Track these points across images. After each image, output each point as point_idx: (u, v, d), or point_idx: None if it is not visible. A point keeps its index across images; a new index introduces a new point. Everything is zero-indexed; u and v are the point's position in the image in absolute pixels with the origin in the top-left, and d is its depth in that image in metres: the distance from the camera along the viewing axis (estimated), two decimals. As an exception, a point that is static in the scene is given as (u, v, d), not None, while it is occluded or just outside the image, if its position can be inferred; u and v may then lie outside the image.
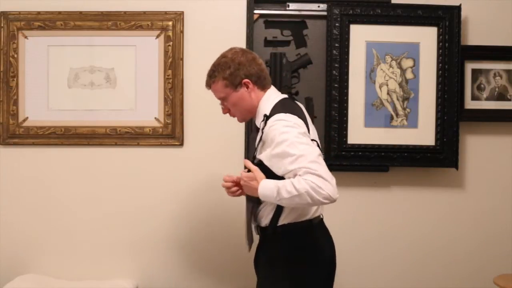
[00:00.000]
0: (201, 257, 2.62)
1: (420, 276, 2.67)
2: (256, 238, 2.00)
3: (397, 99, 2.59)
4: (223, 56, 1.93)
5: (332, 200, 1.66)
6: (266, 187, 1.74)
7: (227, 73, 1.88)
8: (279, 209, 1.85)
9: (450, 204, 2.67)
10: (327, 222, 2.64)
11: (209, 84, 1.95)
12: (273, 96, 1.91)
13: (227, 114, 1.96)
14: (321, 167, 1.68)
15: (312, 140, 1.82)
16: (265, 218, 1.88)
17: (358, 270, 2.66)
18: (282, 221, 1.85)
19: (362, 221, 2.66)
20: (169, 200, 2.60)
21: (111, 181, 2.60)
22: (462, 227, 2.68)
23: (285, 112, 1.79)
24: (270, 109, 1.85)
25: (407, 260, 2.67)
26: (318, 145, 1.88)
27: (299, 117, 1.80)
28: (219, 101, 1.97)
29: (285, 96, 1.94)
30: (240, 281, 2.55)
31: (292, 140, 1.71)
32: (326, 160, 2.51)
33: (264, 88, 1.92)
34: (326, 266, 1.90)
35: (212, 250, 2.61)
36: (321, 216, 1.96)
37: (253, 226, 1.97)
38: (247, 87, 1.89)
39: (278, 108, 1.84)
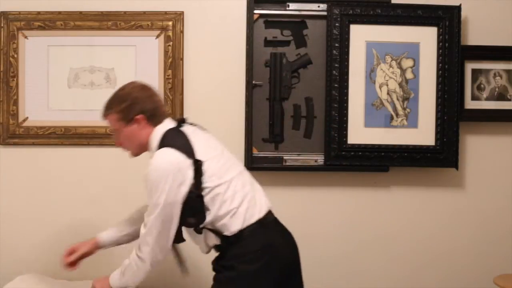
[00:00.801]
0: (202, 257, 2.62)
1: (420, 276, 2.67)
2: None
3: (397, 99, 2.59)
4: (121, 89, 1.93)
5: (149, 265, 1.84)
6: (112, 278, 1.93)
7: (122, 107, 1.88)
8: (214, 229, 1.85)
9: (450, 204, 2.67)
10: (327, 222, 2.65)
11: (104, 115, 1.94)
12: (160, 130, 1.89)
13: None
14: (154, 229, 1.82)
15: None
16: (211, 240, 1.89)
17: (358, 270, 2.66)
18: (230, 231, 1.83)
19: (361, 221, 2.66)
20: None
21: (111, 181, 2.60)
22: (462, 227, 2.68)
23: (165, 146, 1.81)
24: (157, 146, 1.86)
25: (406, 260, 2.67)
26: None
27: (178, 148, 1.79)
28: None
29: (171, 126, 1.91)
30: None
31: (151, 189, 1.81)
32: (326, 160, 2.54)
33: (156, 124, 1.90)
34: (281, 264, 1.85)
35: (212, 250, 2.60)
36: (272, 214, 1.94)
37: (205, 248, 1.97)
38: (139, 123, 1.88)
39: (160, 144, 1.84)
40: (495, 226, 2.68)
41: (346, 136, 2.56)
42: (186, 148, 1.80)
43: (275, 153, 2.59)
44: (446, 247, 2.67)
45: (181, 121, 1.96)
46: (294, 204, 2.63)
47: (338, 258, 2.65)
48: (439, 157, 2.58)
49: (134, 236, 2.11)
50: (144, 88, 1.93)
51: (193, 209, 1.80)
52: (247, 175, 1.95)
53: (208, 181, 1.80)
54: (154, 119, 1.89)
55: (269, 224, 1.89)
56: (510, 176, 2.69)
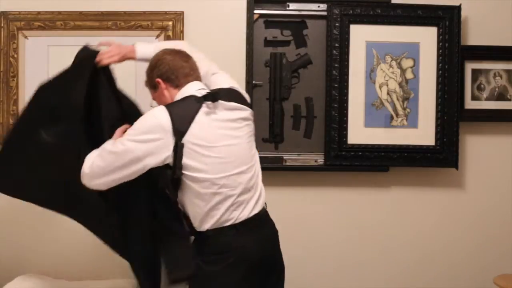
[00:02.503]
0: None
1: (420, 276, 2.67)
2: None
3: (397, 99, 2.60)
4: None
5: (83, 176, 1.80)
6: None
7: (146, 76, 1.96)
8: (187, 216, 1.84)
9: (450, 204, 2.68)
10: (326, 222, 2.64)
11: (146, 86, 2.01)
12: (182, 93, 1.87)
13: None
14: (102, 157, 1.77)
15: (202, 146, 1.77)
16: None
17: (358, 270, 2.66)
18: (198, 226, 1.82)
19: (361, 221, 2.66)
20: (169, 200, 2.59)
21: (111, 181, 2.59)
22: (462, 227, 2.68)
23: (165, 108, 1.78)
24: None
25: (407, 260, 2.67)
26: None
27: (173, 120, 1.74)
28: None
29: (193, 94, 1.84)
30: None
31: (128, 133, 1.78)
32: (326, 160, 2.54)
33: (177, 86, 1.89)
34: (249, 266, 1.80)
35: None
36: (257, 219, 1.86)
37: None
38: (161, 87, 1.90)
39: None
40: (495, 226, 2.68)
41: (346, 136, 2.56)
42: (180, 125, 1.75)
43: (275, 153, 2.59)
44: (446, 247, 2.67)
45: (210, 97, 1.82)
46: (294, 204, 2.63)
47: (338, 258, 2.65)
48: (439, 157, 2.58)
49: None
50: (166, 53, 1.94)
51: (167, 185, 1.81)
52: (248, 176, 1.85)
53: (187, 168, 1.76)
54: (172, 81, 1.89)
55: (245, 228, 1.82)
56: (510, 176, 2.69)
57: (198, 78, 1.93)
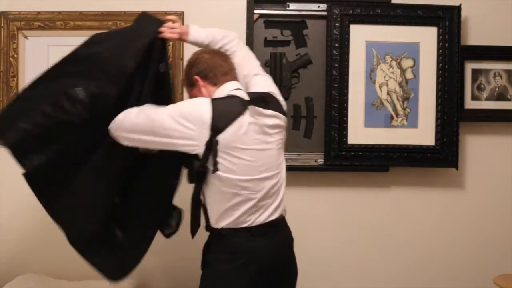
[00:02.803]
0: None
1: (420, 276, 2.67)
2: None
3: (397, 99, 2.60)
4: None
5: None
6: None
7: (184, 75, 2.00)
8: (206, 210, 1.86)
9: (450, 204, 2.68)
10: (327, 222, 2.64)
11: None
12: (221, 91, 1.87)
13: None
14: (138, 115, 1.80)
15: (241, 149, 1.77)
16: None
17: (357, 270, 2.66)
18: (214, 222, 1.84)
19: (361, 221, 2.66)
20: (169, 200, 2.59)
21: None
22: (462, 227, 2.68)
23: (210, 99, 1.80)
24: None
25: (407, 260, 2.67)
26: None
27: (215, 108, 1.75)
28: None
29: (232, 94, 1.84)
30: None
31: (170, 108, 1.80)
32: (326, 160, 2.53)
33: (215, 84, 1.90)
34: (259, 270, 1.81)
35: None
36: (274, 225, 1.87)
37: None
38: (198, 84, 1.91)
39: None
40: (495, 226, 2.68)
41: (346, 136, 2.56)
42: (220, 122, 1.75)
43: (275, 153, 2.59)
44: (446, 247, 2.68)
45: (256, 102, 1.82)
46: (294, 204, 2.61)
47: (338, 258, 2.66)
48: (439, 157, 2.58)
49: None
50: (204, 51, 1.98)
51: (193, 176, 1.83)
52: (272, 183, 1.85)
53: (217, 166, 1.76)
54: (210, 78, 1.91)
55: (260, 232, 1.83)
56: (510, 176, 2.69)
57: (235, 78, 1.96)
